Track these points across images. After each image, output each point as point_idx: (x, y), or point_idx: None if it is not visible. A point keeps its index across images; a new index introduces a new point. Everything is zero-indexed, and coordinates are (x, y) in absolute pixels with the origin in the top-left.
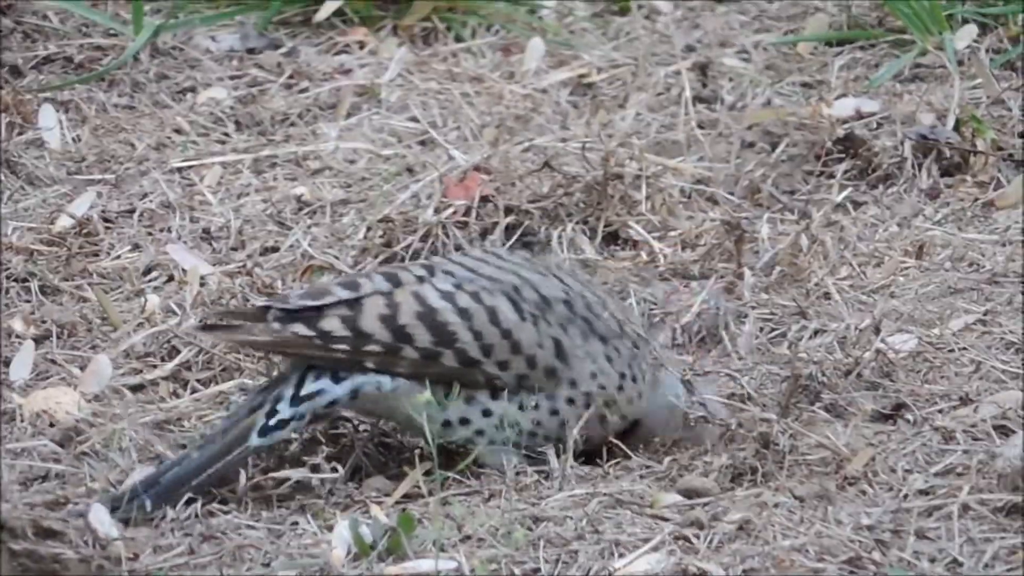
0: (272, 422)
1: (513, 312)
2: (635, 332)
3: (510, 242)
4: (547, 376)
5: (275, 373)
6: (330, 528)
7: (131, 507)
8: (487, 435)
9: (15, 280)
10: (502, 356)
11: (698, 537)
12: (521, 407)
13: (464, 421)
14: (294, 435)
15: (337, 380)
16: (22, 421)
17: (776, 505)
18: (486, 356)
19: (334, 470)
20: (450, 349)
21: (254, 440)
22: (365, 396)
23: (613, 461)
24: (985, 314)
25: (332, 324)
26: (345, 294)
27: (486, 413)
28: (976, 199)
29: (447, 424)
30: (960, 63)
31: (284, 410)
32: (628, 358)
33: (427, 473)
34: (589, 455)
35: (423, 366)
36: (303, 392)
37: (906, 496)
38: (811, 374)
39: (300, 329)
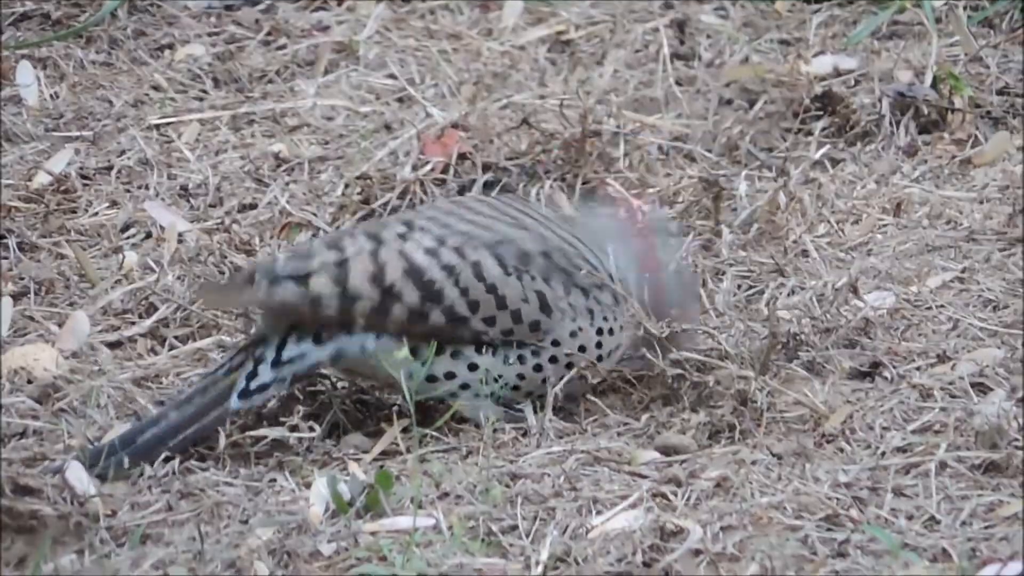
0: (253, 385)
1: (497, 267)
2: (612, 275)
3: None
4: (532, 330)
5: (254, 329)
6: (308, 485)
7: (108, 463)
8: (472, 389)
9: None
10: (488, 312)
11: (676, 494)
12: (506, 361)
13: (449, 375)
14: (274, 397)
15: (319, 342)
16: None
17: (754, 462)
18: (473, 312)
19: (311, 428)
20: (438, 306)
21: (234, 402)
22: (348, 358)
23: (591, 418)
24: (963, 272)
25: (321, 285)
26: (331, 255)
27: (472, 367)
28: (954, 156)
29: (432, 379)
30: (938, 20)
31: (265, 373)
32: (608, 308)
33: (405, 430)
34: (571, 399)
35: (411, 324)
36: (284, 356)
37: (883, 453)
38: (789, 331)
39: (290, 289)
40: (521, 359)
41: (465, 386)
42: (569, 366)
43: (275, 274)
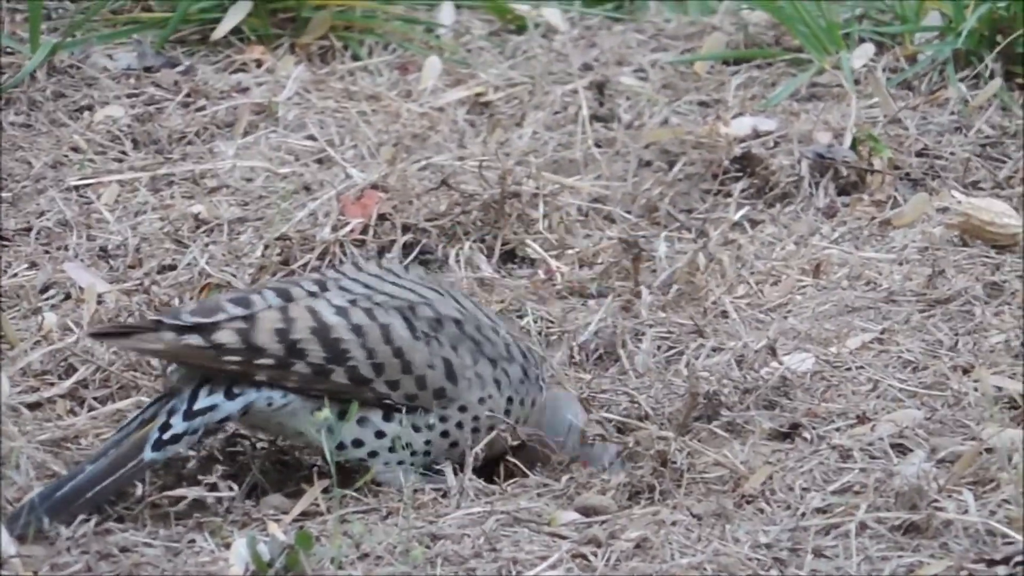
0: (166, 436)
1: (406, 330)
2: (526, 353)
3: (408, 260)
4: (436, 397)
5: (168, 386)
6: (228, 546)
7: (28, 522)
8: (381, 456)
9: None
10: (393, 375)
11: (596, 555)
12: (414, 427)
13: (357, 443)
14: (189, 451)
15: (230, 396)
16: None
17: (674, 523)
18: (377, 375)
19: (231, 488)
20: (342, 366)
21: (148, 454)
22: (255, 412)
23: (511, 480)
24: (882, 332)
25: (226, 336)
26: (238, 311)
27: (379, 435)
28: (873, 218)
29: (341, 446)
30: (857, 82)
31: (177, 424)
32: (516, 382)
33: (325, 491)
34: (483, 470)
35: (313, 381)
36: (196, 407)
37: (803, 514)
38: (709, 392)
39: (194, 340)
40: (430, 427)
41: (373, 453)
42: (479, 430)
43: (181, 323)
